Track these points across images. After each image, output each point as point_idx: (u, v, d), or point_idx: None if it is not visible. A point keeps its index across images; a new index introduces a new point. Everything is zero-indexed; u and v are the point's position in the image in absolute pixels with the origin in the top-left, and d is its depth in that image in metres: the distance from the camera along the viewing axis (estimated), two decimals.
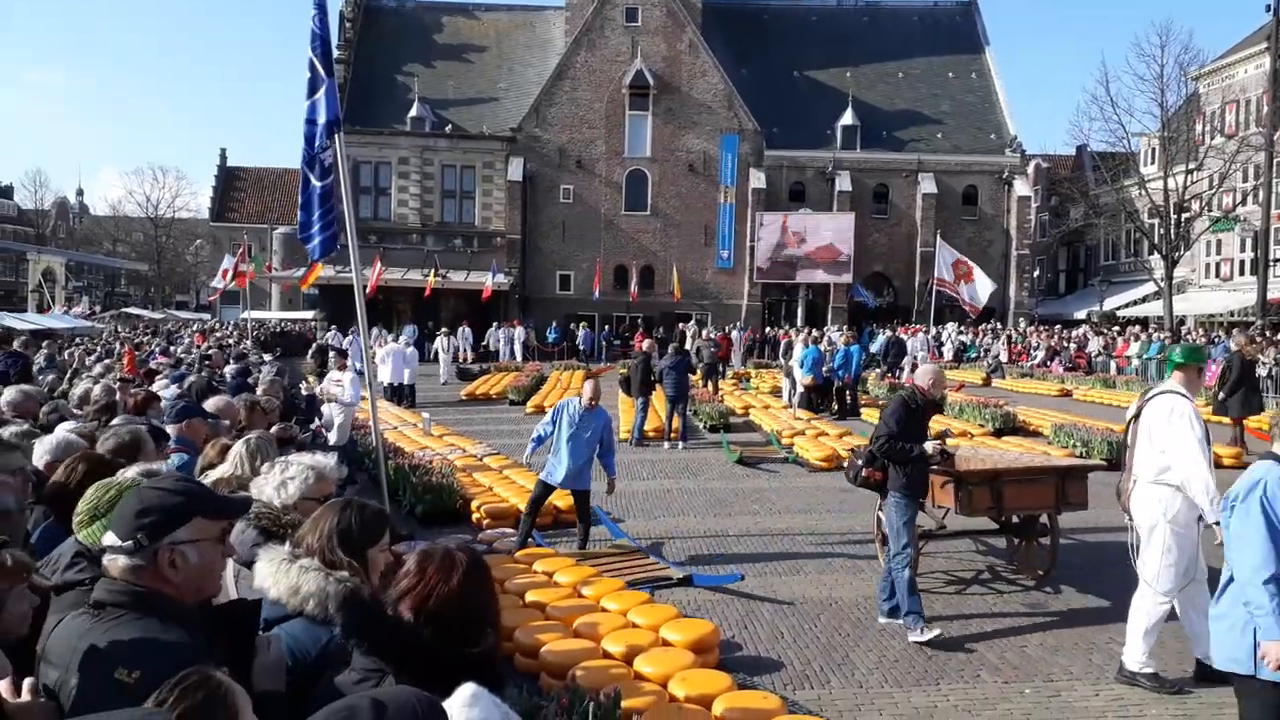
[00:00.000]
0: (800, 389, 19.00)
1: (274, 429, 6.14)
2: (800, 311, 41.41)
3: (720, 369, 24.29)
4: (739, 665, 5.61)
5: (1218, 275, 40.06)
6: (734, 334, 32.51)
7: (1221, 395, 13.87)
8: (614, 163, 41.52)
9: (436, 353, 26.77)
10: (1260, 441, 11.54)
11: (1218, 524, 4.91)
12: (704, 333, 28.09)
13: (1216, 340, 24.65)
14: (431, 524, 8.87)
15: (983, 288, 27.90)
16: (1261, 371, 18.21)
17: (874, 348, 28.76)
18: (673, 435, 15.06)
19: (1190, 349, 5.81)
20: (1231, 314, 35.26)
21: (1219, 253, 40.00)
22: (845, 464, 7.77)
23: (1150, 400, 5.51)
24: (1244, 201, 35.38)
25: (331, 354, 17.14)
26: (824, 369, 19.29)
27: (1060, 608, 6.79)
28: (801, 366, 19.08)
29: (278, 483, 3.28)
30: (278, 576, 2.50)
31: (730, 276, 42.06)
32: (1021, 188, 42.73)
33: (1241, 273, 37.83)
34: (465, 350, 32.00)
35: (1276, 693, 3.62)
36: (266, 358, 21.41)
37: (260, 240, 50.96)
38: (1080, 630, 6.27)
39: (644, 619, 5.80)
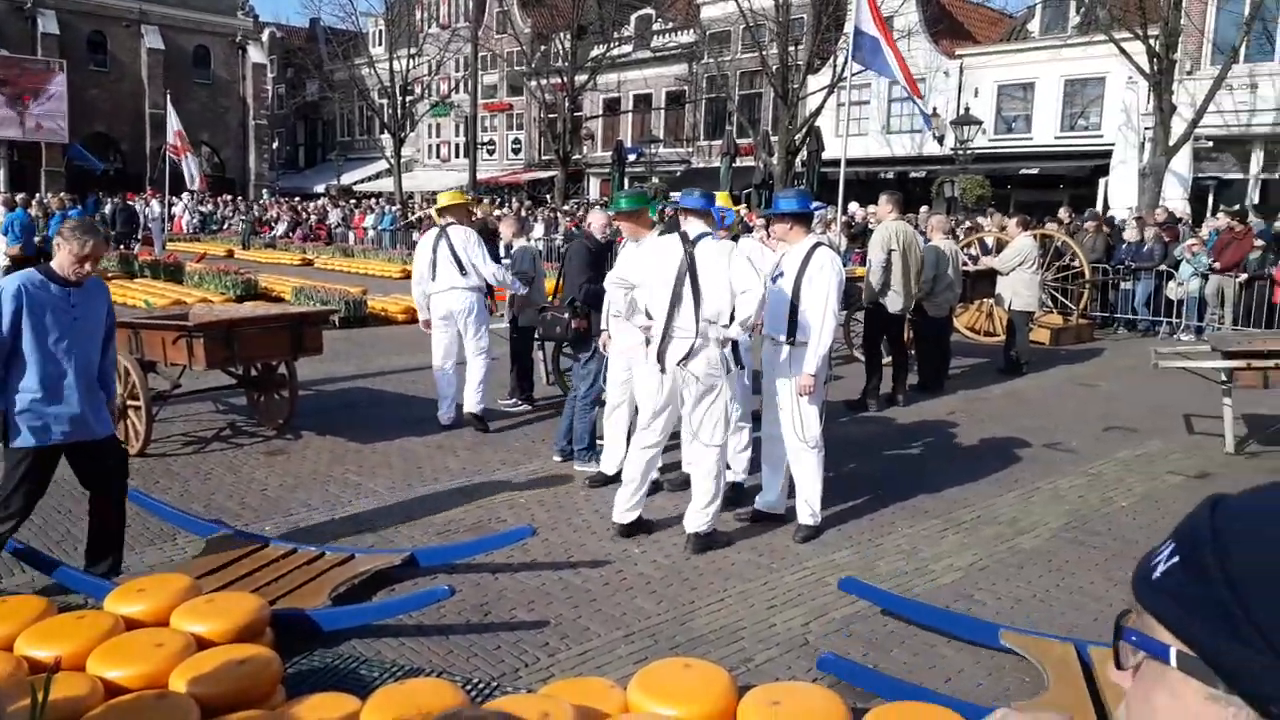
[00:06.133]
0: (5, 260, 16.12)
1: None
2: (3, 174, 34.83)
3: None
4: None
5: (438, 156, 44.87)
6: None
7: None
8: None
9: None
10: None
11: None
12: None
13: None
14: None
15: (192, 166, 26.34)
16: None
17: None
18: None
19: (630, 195, 6.15)
20: None
21: (439, 135, 44.74)
22: (540, 326, 6.88)
23: None
24: (457, 89, 39.91)
25: None
26: (37, 237, 16.62)
27: (301, 449, 7.09)
28: (7, 235, 16.16)
29: None
30: None
31: None
32: (256, 55, 41.71)
33: (458, 155, 42.95)
34: None
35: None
36: None
37: None
38: (317, 467, 6.64)
39: None
